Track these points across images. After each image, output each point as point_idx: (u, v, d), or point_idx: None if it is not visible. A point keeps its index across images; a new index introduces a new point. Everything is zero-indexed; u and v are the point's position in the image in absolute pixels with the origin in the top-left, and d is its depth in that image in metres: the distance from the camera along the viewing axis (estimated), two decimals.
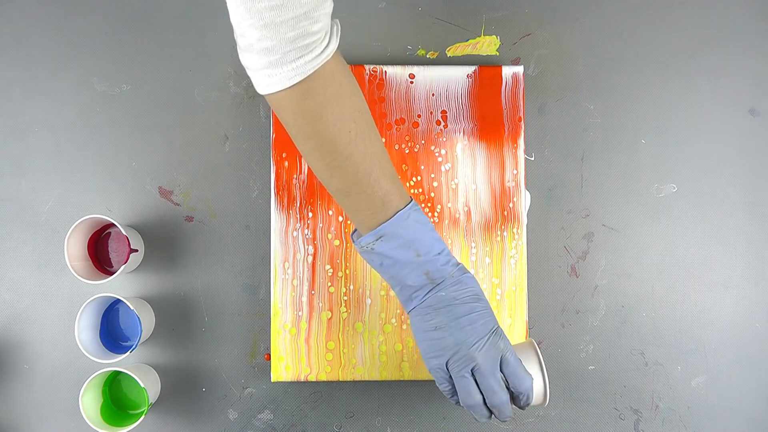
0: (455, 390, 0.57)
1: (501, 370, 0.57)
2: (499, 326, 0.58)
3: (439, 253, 0.57)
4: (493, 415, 0.58)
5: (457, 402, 0.58)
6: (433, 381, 0.72)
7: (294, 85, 0.51)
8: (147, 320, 0.71)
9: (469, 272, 0.59)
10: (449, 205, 0.72)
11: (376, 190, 0.56)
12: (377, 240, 0.56)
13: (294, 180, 0.72)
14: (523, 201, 0.73)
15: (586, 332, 0.74)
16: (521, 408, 0.59)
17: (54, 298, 0.73)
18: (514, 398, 0.58)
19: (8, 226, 0.74)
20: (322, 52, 0.51)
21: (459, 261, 0.59)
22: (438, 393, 0.73)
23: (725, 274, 0.75)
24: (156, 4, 0.75)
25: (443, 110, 0.73)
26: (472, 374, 0.56)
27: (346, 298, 0.71)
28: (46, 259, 0.73)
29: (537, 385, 0.59)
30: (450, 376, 0.57)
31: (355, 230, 0.60)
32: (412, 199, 0.58)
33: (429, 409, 0.73)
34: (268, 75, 0.51)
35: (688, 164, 0.75)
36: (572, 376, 0.73)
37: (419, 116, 0.73)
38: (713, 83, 0.76)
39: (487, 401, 0.57)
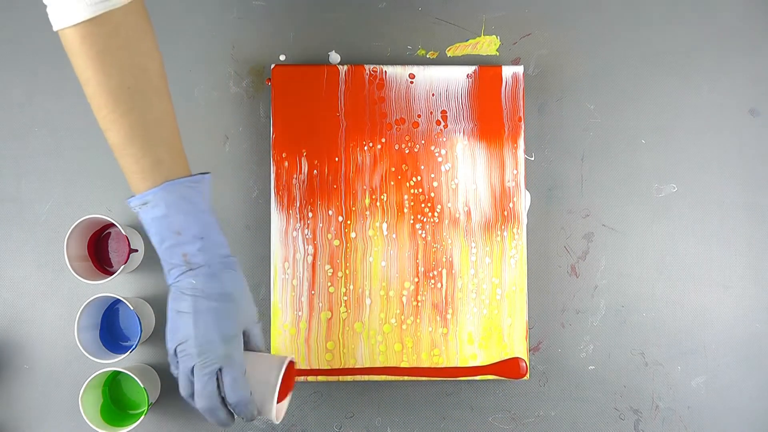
0: None
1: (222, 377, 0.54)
2: (239, 335, 0.55)
3: (201, 238, 0.54)
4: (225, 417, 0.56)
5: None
6: (433, 381, 0.72)
7: (75, 24, 0.52)
8: (147, 320, 0.71)
9: (235, 270, 0.56)
10: (449, 205, 0.72)
11: (149, 155, 0.54)
12: (142, 205, 0.55)
13: (294, 180, 0.72)
14: (523, 201, 0.73)
15: (586, 332, 0.74)
16: (244, 419, 0.56)
17: (54, 298, 0.73)
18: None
19: (8, 226, 0.74)
20: None
21: (231, 255, 0.57)
22: (438, 393, 0.73)
23: (725, 274, 0.75)
24: (156, 4, 0.75)
25: (443, 110, 0.73)
26: (193, 371, 0.54)
27: (346, 298, 0.71)
28: (46, 259, 0.73)
29: (263, 401, 0.56)
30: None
31: None
32: (192, 177, 0.56)
33: (429, 409, 0.73)
34: (56, 11, 0.52)
35: (688, 164, 0.75)
36: (572, 376, 0.73)
37: (419, 116, 0.73)
38: (713, 83, 0.76)
39: (196, 403, 0.55)
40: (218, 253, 0.55)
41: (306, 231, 0.72)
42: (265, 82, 0.75)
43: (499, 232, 0.72)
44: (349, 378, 0.71)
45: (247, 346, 0.57)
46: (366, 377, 0.71)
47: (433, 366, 0.71)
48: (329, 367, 0.71)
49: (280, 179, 0.72)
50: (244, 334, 0.57)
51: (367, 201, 0.72)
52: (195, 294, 0.54)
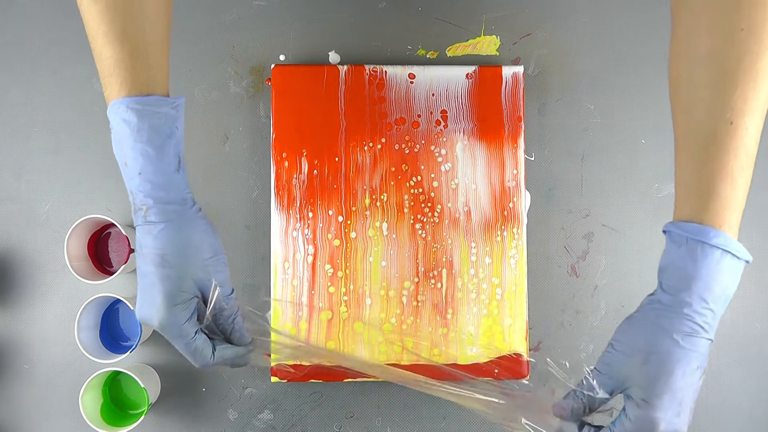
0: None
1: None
2: (180, 304, 0.49)
3: (139, 173, 0.47)
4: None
5: None
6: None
7: None
8: None
9: (175, 222, 0.48)
10: (449, 205, 0.72)
11: (99, 65, 0.48)
12: (110, 123, 0.49)
13: (294, 180, 0.72)
14: (523, 201, 0.73)
15: (586, 332, 0.74)
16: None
17: (54, 298, 0.73)
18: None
19: (8, 226, 0.74)
20: None
21: (183, 199, 0.49)
22: None
23: None
24: None
25: (443, 110, 0.73)
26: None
27: (346, 298, 0.71)
28: (46, 259, 0.73)
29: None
30: None
31: None
32: (138, 98, 0.48)
33: (429, 409, 0.73)
34: None
35: None
36: (572, 377, 0.73)
37: (419, 116, 0.73)
38: None
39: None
40: (157, 197, 0.48)
41: (306, 231, 0.72)
42: (265, 82, 0.75)
43: (499, 232, 0.72)
44: (349, 378, 0.71)
45: (208, 306, 0.52)
46: (367, 379, 0.71)
47: (431, 364, 0.71)
48: (329, 364, 0.71)
49: (280, 179, 0.72)
50: (203, 290, 0.51)
51: (367, 201, 0.72)
52: (139, 252, 0.49)
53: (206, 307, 0.51)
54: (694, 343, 0.45)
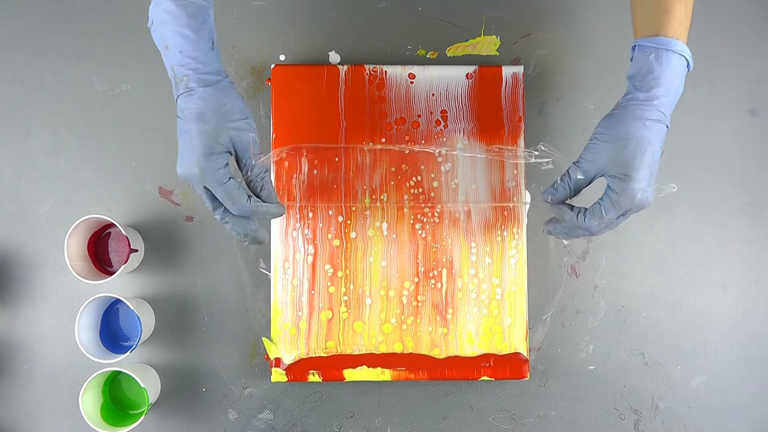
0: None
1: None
2: (216, 153, 0.56)
3: (180, 52, 0.56)
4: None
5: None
6: (433, 381, 0.72)
7: None
8: (147, 320, 0.71)
9: (211, 87, 0.56)
10: (449, 205, 0.72)
11: None
12: (149, 20, 0.57)
13: (294, 180, 0.72)
14: (524, 201, 0.73)
15: (586, 332, 0.74)
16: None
17: (54, 298, 0.73)
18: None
19: (8, 226, 0.74)
20: None
21: (218, 72, 0.57)
22: (438, 393, 0.73)
23: (725, 274, 0.75)
24: None
25: (443, 110, 0.73)
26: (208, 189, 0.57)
27: (346, 298, 0.71)
28: (46, 259, 0.73)
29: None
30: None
31: None
32: None
33: (429, 409, 0.73)
34: None
35: (688, 164, 0.75)
36: (572, 376, 0.73)
37: (419, 116, 0.73)
38: (713, 83, 0.76)
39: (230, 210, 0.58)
40: (191, 66, 0.56)
41: (306, 231, 0.72)
42: (265, 82, 0.75)
43: (499, 232, 0.72)
44: (351, 375, 0.71)
45: (242, 158, 0.58)
46: (366, 378, 0.71)
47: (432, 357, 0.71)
48: (326, 355, 0.71)
49: (280, 179, 0.72)
50: (236, 146, 0.57)
51: (367, 201, 0.72)
52: (179, 116, 0.57)
53: (238, 164, 0.59)
54: (659, 128, 0.57)
